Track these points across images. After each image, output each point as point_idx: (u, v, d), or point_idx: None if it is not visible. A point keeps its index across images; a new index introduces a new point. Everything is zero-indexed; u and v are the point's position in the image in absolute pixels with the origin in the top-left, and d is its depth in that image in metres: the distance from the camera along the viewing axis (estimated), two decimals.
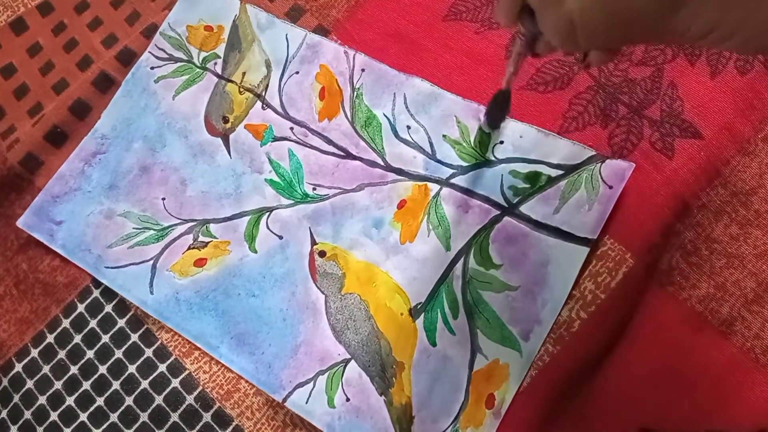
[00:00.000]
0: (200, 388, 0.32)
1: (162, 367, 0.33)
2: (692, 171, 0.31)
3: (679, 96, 0.33)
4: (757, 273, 0.29)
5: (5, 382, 0.34)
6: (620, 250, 0.31)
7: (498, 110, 0.32)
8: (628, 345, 0.29)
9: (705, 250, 0.30)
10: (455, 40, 0.36)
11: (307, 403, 0.31)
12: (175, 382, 0.32)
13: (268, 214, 0.35)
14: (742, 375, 0.28)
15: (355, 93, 0.36)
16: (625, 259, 0.30)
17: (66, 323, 0.34)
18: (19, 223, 0.36)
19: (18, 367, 0.34)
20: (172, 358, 0.33)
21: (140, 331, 0.34)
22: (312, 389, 0.31)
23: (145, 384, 0.33)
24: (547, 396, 0.29)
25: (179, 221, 0.36)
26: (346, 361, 0.31)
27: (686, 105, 0.32)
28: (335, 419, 0.30)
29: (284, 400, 0.31)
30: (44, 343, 0.34)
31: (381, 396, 0.31)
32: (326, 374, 0.31)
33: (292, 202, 0.35)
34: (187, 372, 0.33)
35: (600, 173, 0.32)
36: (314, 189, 0.35)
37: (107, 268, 0.35)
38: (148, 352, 0.33)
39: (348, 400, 0.31)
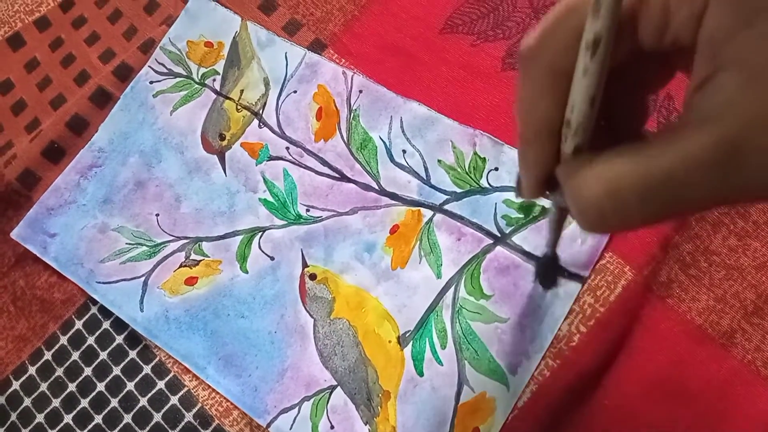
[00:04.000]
0: (199, 405, 0.32)
1: (161, 384, 0.33)
2: None
3: (675, 108, 0.32)
4: (757, 285, 0.29)
5: (2, 400, 0.34)
6: (618, 263, 0.31)
7: (547, 274, 0.31)
8: (628, 358, 0.29)
9: (704, 262, 0.30)
10: (451, 53, 0.36)
11: (291, 429, 0.31)
12: (174, 400, 0.32)
13: (260, 234, 0.35)
14: (743, 388, 0.28)
15: (352, 114, 0.36)
16: (623, 272, 0.30)
17: (64, 340, 0.34)
18: (13, 234, 0.37)
19: (15, 385, 0.34)
20: (170, 375, 0.33)
21: (138, 348, 0.34)
22: (296, 415, 0.31)
23: (143, 401, 0.33)
24: (548, 411, 0.29)
25: (172, 238, 0.36)
26: (332, 388, 0.31)
27: None
28: None
29: (268, 425, 0.31)
30: (42, 361, 0.34)
31: (366, 425, 0.30)
32: (311, 400, 0.31)
33: (285, 222, 0.35)
34: (186, 389, 0.33)
35: None
36: (308, 210, 0.35)
37: (99, 283, 0.35)
38: (147, 369, 0.33)
39: (332, 427, 0.31)
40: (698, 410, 0.28)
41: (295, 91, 0.37)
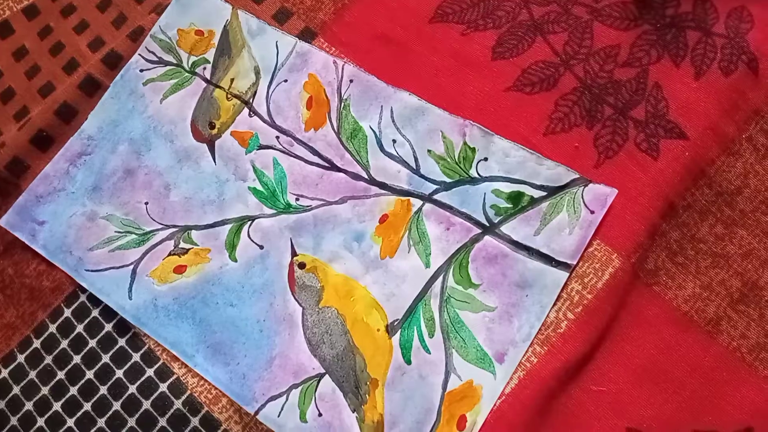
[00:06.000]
0: (188, 392, 0.32)
1: (150, 372, 0.33)
2: (677, 171, 0.31)
3: (664, 97, 0.33)
4: (743, 273, 0.30)
5: None
6: (606, 250, 0.31)
7: None
8: (615, 345, 0.30)
9: (691, 250, 0.31)
10: (441, 42, 0.36)
11: (279, 416, 0.31)
12: (163, 387, 0.32)
13: (249, 222, 0.35)
14: (729, 374, 0.29)
15: (343, 104, 0.36)
16: (611, 260, 0.31)
17: (53, 328, 0.34)
18: (2, 222, 0.36)
19: (4, 373, 0.34)
20: (159, 363, 0.33)
21: (127, 336, 0.34)
22: (284, 403, 0.31)
23: (132, 389, 0.33)
24: (535, 397, 0.29)
25: (161, 227, 0.35)
26: (320, 376, 0.31)
27: (671, 106, 0.32)
28: None
29: (256, 412, 0.31)
30: (30, 349, 0.34)
31: (353, 413, 0.31)
32: (300, 388, 0.31)
33: (275, 211, 0.35)
34: (175, 376, 0.33)
35: (582, 197, 0.31)
36: (297, 199, 0.35)
37: (87, 271, 0.35)
38: (136, 357, 0.33)
39: (320, 415, 0.31)
40: (684, 396, 0.29)
41: (285, 80, 0.37)
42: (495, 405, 0.29)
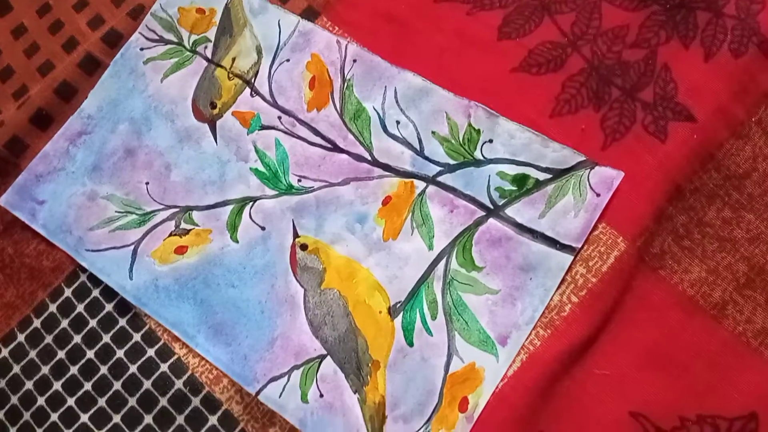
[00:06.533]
0: (189, 372, 0.32)
1: (150, 352, 0.33)
2: (685, 154, 0.31)
3: (672, 79, 0.32)
4: (750, 257, 0.30)
5: None
6: (612, 234, 0.30)
7: None
8: (620, 329, 0.30)
9: (697, 234, 0.30)
10: (447, 21, 0.36)
11: (280, 397, 0.31)
12: (164, 367, 0.32)
13: (251, 203, 0.34)
14: (734, 359, 0.29)
15: (346, 84, 0.35)
16: (616, 243, 0.30)
17: (53, 308, 0.34)
18: (1, 201, 0.36)
19: (4, 352, 0.34)
20: (160, 343, 0.33)
21: (128, 316, 0.34)
22: (286, 383, 0.31)
23: (133, 368, 0.33)
24: (537, 380, 0.29)
25: (162, 207, 0.35)
26: (322, 357, 0.31)
27: (680, 88, 0.32)
28: (308, 415, 0.30)
29: (257, 393, 0.31)
30: (31, 328, 0.34)
31: (355, 394, 0.30)
32: (301, 369, 0.31)
33: (277, 192, 0.34)
34: (176, 356, 0.32)
35: (588, 180, 0.31)
36: (299, 181, 0.34)
37: (87, 251, 0.35)
38: (137, 337, 0.33)
39: (321, 396, 0.31)
40: (688, 381, 0.29)
41: (287, 60, 0.36)
42: (497, 387, 0.29)
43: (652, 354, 0.29)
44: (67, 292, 0.35)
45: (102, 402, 0.32)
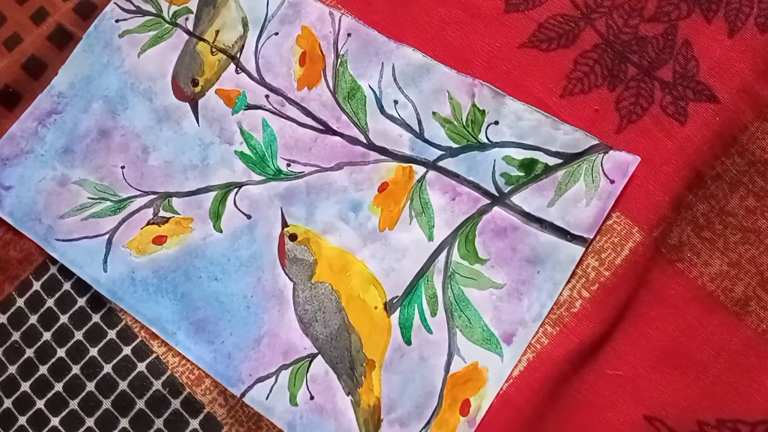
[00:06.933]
0: (168, 372, 0.31)
1: (126, 350, 0.31)
2: (706, 138, 0.30)
3: (693, 56, 0.31)
4: None
5: None
6: (626, 223, 0.29)
7: None
8: (634, 326, 0.29)
9: (719, 224, 0.29)
10: None
11: (267, 399, 0.29)
12: (141, 366, 0.31)
13: (236, 190, 0.33)
14: (757, 359, 0.28)
15: (339, 60, 0.33)
16: (631, 234, 0.29)
17: (20, 302, 0.33)
18: None
19: None
20: (137, 341, 0.31)
21: (102, 311, 0.32)
22: (273, 384, 0.29)
23: (108, 368, 0.31)
24: (545, 381, 0.28)
25: (139, 193, 0.33)
26: (312, 356, 0.30)
27: (701, 65, 0.31)
28: (297, 418, 0.29)
29: (243, 394, 0.29)
30: None
31: (348, 396, 0.29)
32: (290, 369, 0.30)
33: (264, 178, 0.33)
34: (154, 355, 0.31)
35: (602, 165, 0.29)
36: (288, 165, 0.33)
37: (58, 240, 0.33)
38: (111, 334, 0.32)
39: (312, 398, 0.29)
40: (707, 382, 0.28)
41: (276, 33, 0.34)
42: (501, 389, 0.28)
43: (669, 353, 0.28)
44: (36, 286, 0.33)
45: (74, 404, 0.31)
